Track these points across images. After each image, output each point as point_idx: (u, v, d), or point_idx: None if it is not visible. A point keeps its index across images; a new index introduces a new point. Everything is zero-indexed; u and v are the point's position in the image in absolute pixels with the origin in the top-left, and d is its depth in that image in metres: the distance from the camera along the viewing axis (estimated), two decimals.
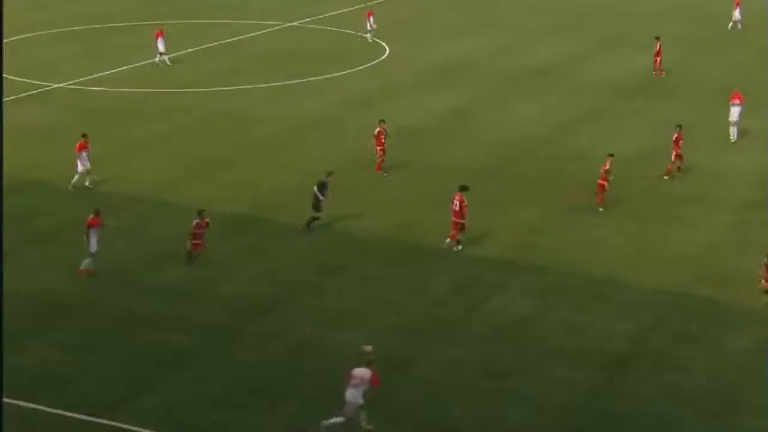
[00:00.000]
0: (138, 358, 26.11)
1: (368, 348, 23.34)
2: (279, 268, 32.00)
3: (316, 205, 34.75)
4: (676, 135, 40.68)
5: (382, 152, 40.25)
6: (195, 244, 31.55)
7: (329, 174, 35.31)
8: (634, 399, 25.16)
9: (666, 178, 40.50)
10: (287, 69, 57.60)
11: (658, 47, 57.12)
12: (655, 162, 41.89)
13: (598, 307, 29.90)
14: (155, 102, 51.04)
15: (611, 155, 37.92)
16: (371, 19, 65.08)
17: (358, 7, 76.31)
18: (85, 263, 30.83)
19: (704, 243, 34.74)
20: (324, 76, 56.08)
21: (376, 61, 60.61)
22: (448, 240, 33.40)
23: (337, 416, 22.84)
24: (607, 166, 37.54)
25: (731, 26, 69.89)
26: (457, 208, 33.26)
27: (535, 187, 39.23)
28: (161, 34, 57.67)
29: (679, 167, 40.69)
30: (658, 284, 31.37)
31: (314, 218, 34.72)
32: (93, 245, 30.75)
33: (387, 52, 62.54)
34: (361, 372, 22.96)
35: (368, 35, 64.89)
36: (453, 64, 59.75)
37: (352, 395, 22.87)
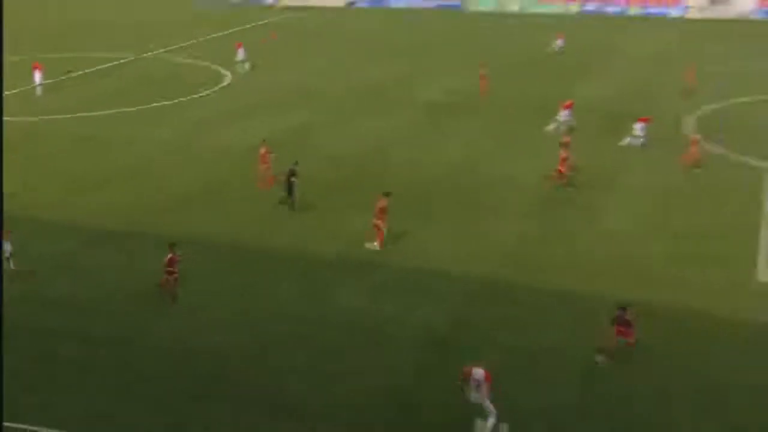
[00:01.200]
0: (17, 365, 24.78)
1: None
2: (147, 276, 30.72)
3: (291, 190, 36.71)
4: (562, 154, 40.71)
5: (268, 169, 39.47)
6: (173, 278, 28.84)
7: (296, 163, 37.30)
8: (454, 376, 24.88)
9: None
10: (146, 95, 56.16)
11: (483, 72, 57.18)
12: (476, 168, 42.07)
13: (423, 294, 29.80)
14: (21, 128, 49.10)
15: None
16: (241, 50, 63.82)
17: (207, 37, 75.12)
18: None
19: (513, 237, 34.77)
20: (177, 100, 54.87)
21: (221, 86, 59.46)
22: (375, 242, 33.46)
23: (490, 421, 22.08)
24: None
25: (552, 49, 70.32)
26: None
27: (370, 195, 38.64)
28: (39, 66, 56.13)
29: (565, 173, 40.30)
30: (472, 274, 31.34)
31: (290, 200, 36.70)
32: (8, 250, 29.86)
33: (229, 78, 61.33)
34: (479, 372, 22.11)
35: (245, 64, 63.44)
36: (292, 87, 58.98)
37: (475, 396, 22.07)
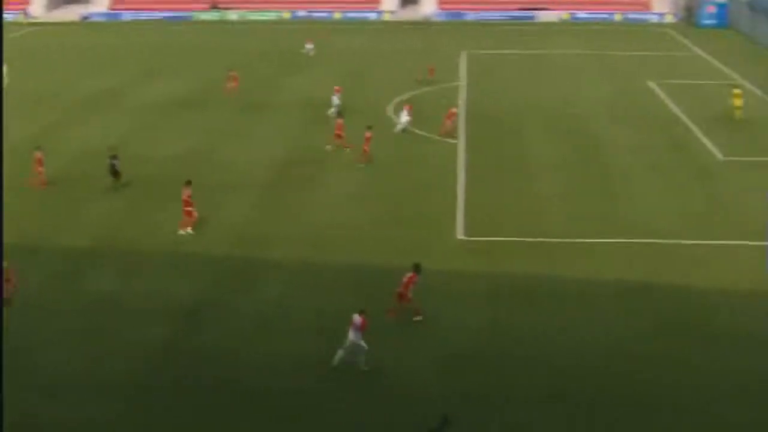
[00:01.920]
0: None
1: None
2: None
3: (115, 173, 37.02)
4: (367, 134, 40.82)
5: (42, 173, 37.50)
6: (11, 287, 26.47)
7: (113, 150, 38.06)
8: (207, 340, 25.02)
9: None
10: None
11: (233, 75, 56.01)
12: (213, 155, 41.40)
13: (170, 273, 29.38)
14: None
15: None
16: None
17: None
18: None
19: (246, 215, 34.65)
20: None
21: None
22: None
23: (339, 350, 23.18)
24: None
25: (305, 52, 69.31)
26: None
27: (105, 187, 37.19)
28: None
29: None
30: (214, 252, 31.09)
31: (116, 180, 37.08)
32: None
33: None
34: (357, 318, 23.08)
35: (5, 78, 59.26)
36: (35, 95, 55.52)
37: (354, 336, 22.99)
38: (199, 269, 29.67)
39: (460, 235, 32.66)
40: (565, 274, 29.31)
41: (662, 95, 54.76)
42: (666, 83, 57.94)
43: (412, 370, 23.55)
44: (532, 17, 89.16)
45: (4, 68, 59.78)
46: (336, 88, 50.47)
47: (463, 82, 58.91)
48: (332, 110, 48.53)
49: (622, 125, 48.05)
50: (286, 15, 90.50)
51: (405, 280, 25.61)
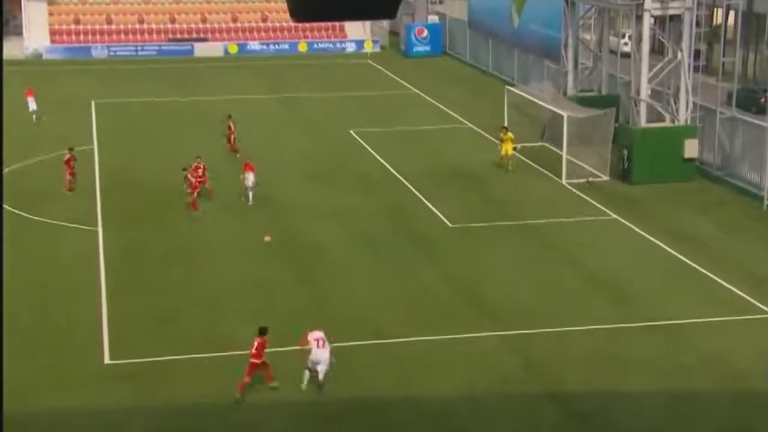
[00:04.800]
0: None
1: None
2: None
3: None
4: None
5: None
6: None
7: None
8: None
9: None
10: None
11: None
12: None
13: None
14: None
15: None
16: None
17: None
18: None
19: None
20: None
21: None
22: None
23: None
24: None
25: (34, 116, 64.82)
26: None
27: None
28: None
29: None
30: None
31: None
32: None
33: None
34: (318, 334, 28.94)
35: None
36: None
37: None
38: None
39: (107, 358, 31.88)
40: (256, 400, 29.33)
41: (369, 147, 56.99)
42: (373, 132, 60.44)
43: None
44: (190, 51, 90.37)
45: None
46: (29, 90, 58.26)
47: (95, 144, 57.67)
48: (34, 115, 59.66)
49: (323, 187, 49.50)
50: None
51: (254, 350, 29.03)
